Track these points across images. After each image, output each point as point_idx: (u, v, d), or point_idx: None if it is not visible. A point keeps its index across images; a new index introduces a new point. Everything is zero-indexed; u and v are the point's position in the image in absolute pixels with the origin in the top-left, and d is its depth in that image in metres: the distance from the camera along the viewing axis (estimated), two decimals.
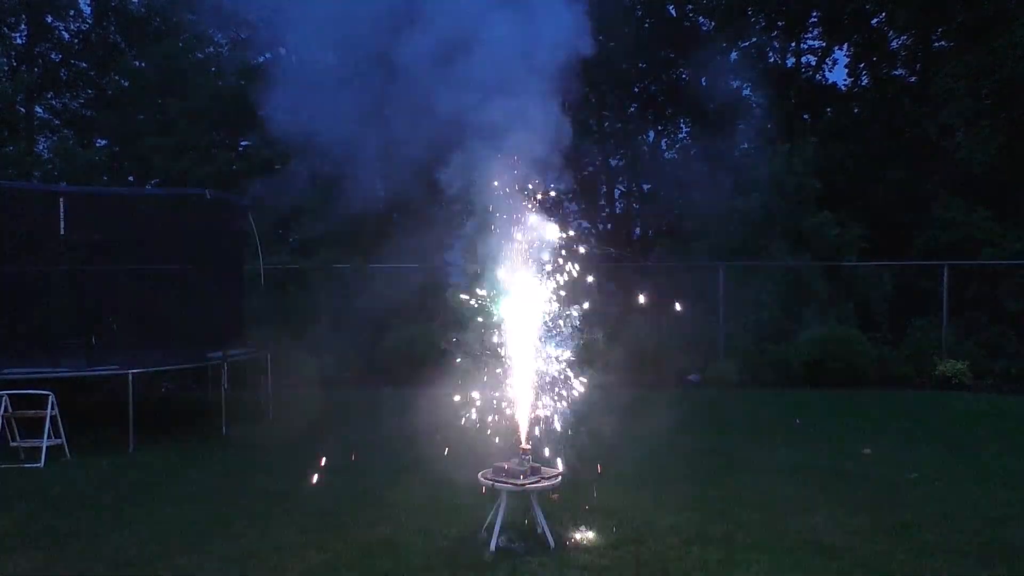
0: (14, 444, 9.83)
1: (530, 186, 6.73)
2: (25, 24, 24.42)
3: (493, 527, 6.51)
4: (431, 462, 7.32)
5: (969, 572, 6.05)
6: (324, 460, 7.95)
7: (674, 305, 14.16)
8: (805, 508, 7.66)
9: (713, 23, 26.35)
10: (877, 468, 9.28)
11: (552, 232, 6.73)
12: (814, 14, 26.11)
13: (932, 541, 6.70)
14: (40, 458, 9.56)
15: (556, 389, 6.90)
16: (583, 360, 7.01)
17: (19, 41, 24.63)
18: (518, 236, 6.68)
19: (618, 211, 28.65)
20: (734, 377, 15.99)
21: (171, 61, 21.10)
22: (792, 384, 15.74)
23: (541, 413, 6.87)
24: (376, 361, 16.06)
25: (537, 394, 6.86)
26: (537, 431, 6.87)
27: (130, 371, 10.64)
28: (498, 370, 6.89)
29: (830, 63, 27.11)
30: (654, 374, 15.58)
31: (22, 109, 24.02)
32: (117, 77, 23.56)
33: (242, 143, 21.54)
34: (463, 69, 6.57)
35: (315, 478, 7.86)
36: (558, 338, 6.85)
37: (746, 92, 28.31)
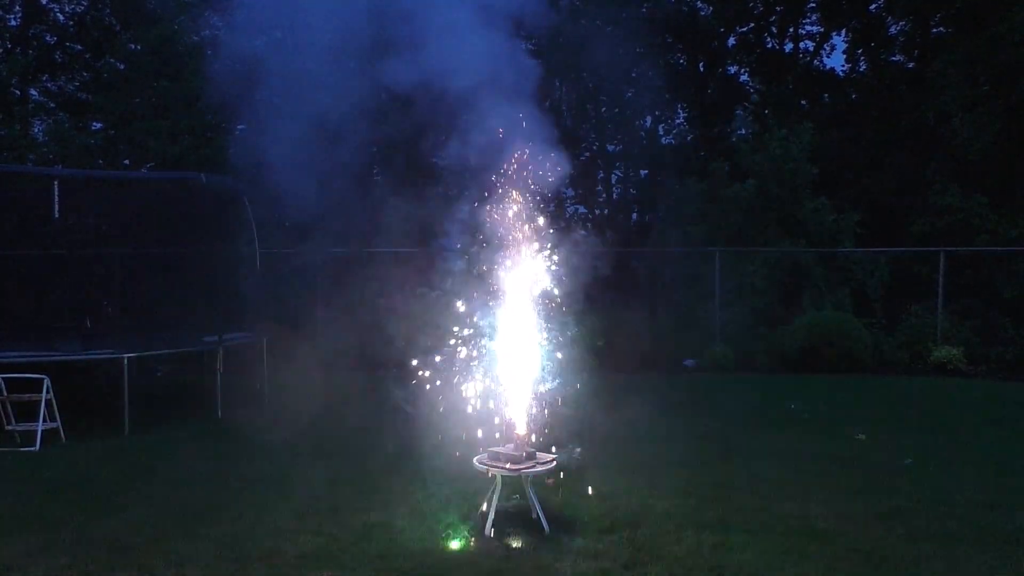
0: (9, 428, 9.84)
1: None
2: (20, 6, 24.25)
3: (488, 512, 6.52)
4: (427, 447, 7.32)
5: (962, 557, 6.07)
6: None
7: (671, 290, 14.18)
8: (799, 493, 7.68)
9: (711, 8, 26.28)
10: (871, 453, 9.31)
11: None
12: None
13: (925, 526, 6.73)
14: (35, 442, 9.56)
15: (551, 376, 6.92)
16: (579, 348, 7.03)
17: (13, 23, 24.47)
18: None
19: (615, 196, 28.63)
20: (729, 362, 16.02)
21: (167, 44, 20.97)
22: (787, 369, 15.77)
23: (537, 399, 6.88)
24: (373, 345, 16.02)
25: (533, 380, 6.87)
26: (532, 416, 6.87)
27: (125, 355, 10.63)
28: (494, 356, 6.89)
29: (828, 48, 27.10)
30: (650, 359, 15.59)
31: (17, 92, 23.88)
32: (112, 60, 23.39)
33: (238, 127, 21.42)
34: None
35: None
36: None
37: (744, 78, 28.31)
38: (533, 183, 6.76)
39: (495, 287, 6.82)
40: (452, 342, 6.90)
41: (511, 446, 6.64)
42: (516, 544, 6.26)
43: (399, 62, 6.91)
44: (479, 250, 6.83)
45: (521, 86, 6.72)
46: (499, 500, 6.57)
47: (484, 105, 6.61)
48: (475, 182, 6.76)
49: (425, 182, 7.05)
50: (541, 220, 6.79)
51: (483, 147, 6.67)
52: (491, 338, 6.85)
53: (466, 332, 6.86)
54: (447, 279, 6.96)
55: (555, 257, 6.85)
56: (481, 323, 6.86)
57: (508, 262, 6.78)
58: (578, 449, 7.06)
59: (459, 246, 6.93)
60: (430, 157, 6.88)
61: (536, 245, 6.80)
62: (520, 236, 6.76)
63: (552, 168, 6.75)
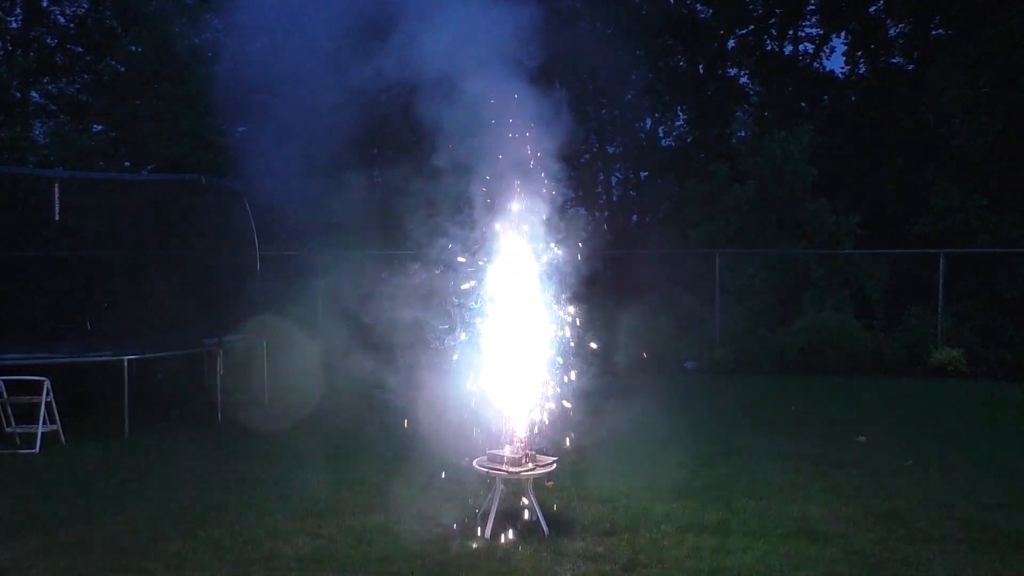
0: (9, 430, 9.83)
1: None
2: (20, 8, 24.28)
3: (487, 514, 6.51)
4: (426, 449, 7.32)
5: (962, 560, 6.07)
6: None
7: (671, 292, 14.15)
8: (799, 495, 7.68)
9: (711, 10, 26.28)
10: (871, 455, 9.30)
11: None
12: (812, 1, 26.06)
13: (925, 529, 6.73)
14: (35, 444, 9.55)
15: (552, 376, 6.91)
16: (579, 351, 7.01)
17: (14, 25, 24.49)
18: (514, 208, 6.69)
19: (616, 199, 28.64)
20: (730, 364, 16.01)
21: (167, 46, 20.98)
22: (787, 371, 15.75)
23: (537, 400, 6.87)
24: (375, 347, 15.97)
25: (533, 381, 6.86)
26: (533, 418, 6.86)
27: (125, 357, 10.63)
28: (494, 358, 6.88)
29: (828, 51, 27.10)
30: (650, 361, 15.56)
31: (18, 94, 23.90)
32: (113, 62, 23.42)
33: (239, 129, 21.42)
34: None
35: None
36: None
37: (743, 80, 28.31)
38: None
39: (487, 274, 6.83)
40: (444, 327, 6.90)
41: (511, 448, 6.64)
42: (515, 546, 6.26)
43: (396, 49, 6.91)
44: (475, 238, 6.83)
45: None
46: (498, 502, 6.57)
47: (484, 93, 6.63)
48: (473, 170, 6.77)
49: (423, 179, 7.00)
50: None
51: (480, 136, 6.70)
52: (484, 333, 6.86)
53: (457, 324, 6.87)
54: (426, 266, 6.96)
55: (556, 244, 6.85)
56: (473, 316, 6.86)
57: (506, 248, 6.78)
58: (572, 435, 7.02)
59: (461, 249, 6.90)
60: (431, 158, 6.86)
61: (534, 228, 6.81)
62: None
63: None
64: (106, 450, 9.67)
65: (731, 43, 27.23)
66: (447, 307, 6.91)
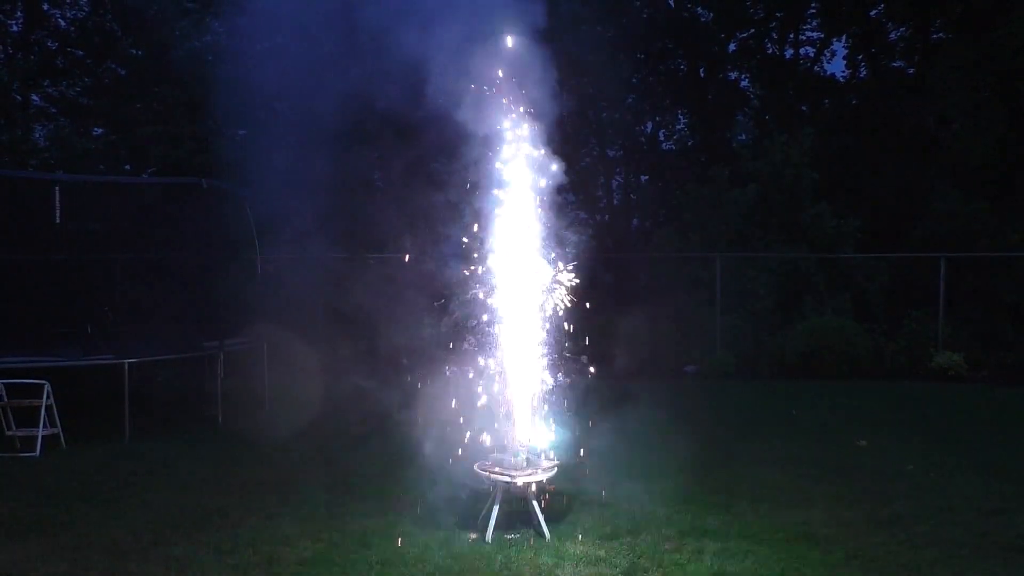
0: (10, 433, 9.83)
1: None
2: (21, 11, 24.29)
3: (489, 518, 6.51)
4: (428, 453, 7.31)
5: (963, 564, 6.06)
6: None
7: (671, 296, 14.13)
8: (800, 500, 7.67)
9: (712, 13, 26.30)
10: (872, 460, 9.30)
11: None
12: (813, 5, 26.09)
13: (927, 533, 6.72)
14: (36, 447, 9.55)
15: (553, 380, 6.91)
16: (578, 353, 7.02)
17: (15, 28, 24.51)
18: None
19: (616, 202, 28.63)
20: (730, 368, 16.00)
21: (167, 50, 20.98)
22: (788, 375, 15.75)
23: (538, 404, 6.87)
24: (376, 351, 15.99)
25: (534, 385, 6.85)
26: (534, 422, 6.86)
27: (126, 361, 10.62)
28: (496, 362, 6.88)
29: (829, 54, 27.15)
30: (650, 365, 15.56)
31: (18, 97, 23.90)
32: (114, 65, 23.43)
33: (239, 132, 21.42)
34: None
35: None
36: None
37: (744, 83, 28.33)
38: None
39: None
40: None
41: (512, 452, 6.63)
42: (516, 550, 6.25)
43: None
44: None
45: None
46: (500, 507, 6.56)
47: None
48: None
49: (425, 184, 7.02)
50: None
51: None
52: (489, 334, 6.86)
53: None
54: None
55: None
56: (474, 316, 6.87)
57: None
58: (573, 439, 7.02)
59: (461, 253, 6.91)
60: (431, 162, 6.88)
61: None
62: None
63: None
64: (107, 454, 9.66)
65: (732, 46, 27.28)
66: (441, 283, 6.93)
